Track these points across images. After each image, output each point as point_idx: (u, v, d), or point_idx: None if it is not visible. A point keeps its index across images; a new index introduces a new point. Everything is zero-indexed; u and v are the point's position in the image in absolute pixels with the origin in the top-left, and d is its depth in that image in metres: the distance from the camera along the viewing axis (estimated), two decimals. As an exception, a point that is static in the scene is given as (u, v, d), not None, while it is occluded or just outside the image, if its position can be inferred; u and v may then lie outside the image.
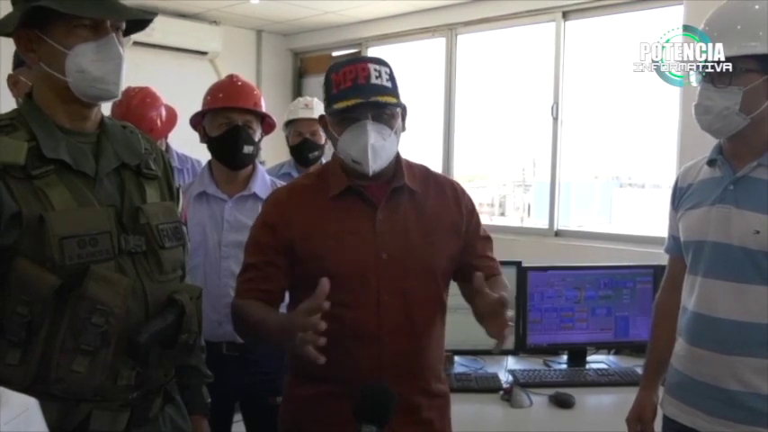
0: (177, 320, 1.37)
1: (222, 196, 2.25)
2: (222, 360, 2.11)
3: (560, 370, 2.61)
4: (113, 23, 1.33)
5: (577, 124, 4.91)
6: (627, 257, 3.65)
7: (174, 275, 1.44)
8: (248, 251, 1.67)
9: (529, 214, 5.68)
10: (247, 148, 2.21)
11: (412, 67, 5.75)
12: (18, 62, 2.49)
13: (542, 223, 5.06)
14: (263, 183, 2.30)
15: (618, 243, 4.43)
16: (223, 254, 2.19)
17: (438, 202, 1.68)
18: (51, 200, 1.25)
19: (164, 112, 2.97)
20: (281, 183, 2.29)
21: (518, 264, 2.63)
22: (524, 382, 2.44)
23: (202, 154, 2.47)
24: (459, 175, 5.47)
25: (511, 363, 2.66)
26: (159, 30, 5.21)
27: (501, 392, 2.36)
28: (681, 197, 1.78)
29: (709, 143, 1.76)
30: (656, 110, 4.50)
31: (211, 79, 2.78)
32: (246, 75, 2.78)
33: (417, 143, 5.43)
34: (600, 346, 2.78)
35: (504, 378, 2.49)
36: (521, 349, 2.66)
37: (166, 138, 3.05)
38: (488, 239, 1.78)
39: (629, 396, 1.94)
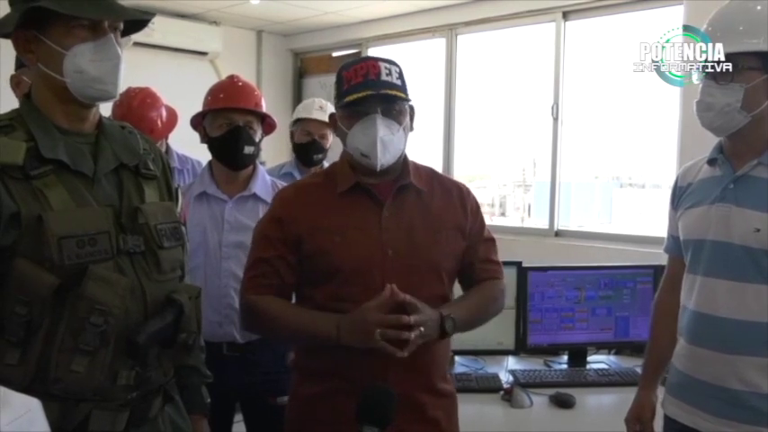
0: (176, 320, 1.37)
1: (222, 197, 2.24)
2: (223, 360, 2.11)
3: (561, 370, 2.61)
4: (111, 24, 1.33)
5: (577, 124, 4.91)
6: (627, 258, 3.64)
7: (173, 275, 1.44)
8: (257, 246, 1.69)
9: (529, 214, 5.68)
10: (248, 149, 2.21)
11: (412, 68, 5.72)
12: (20, 63, 2.49)
13: (543, 223, 5.05)
14: (264, 183, 2.30)
15: (618, 243, 4.43)
16: (223, 254, 2.19)
17: (443, 202, 1.71)
18: (50, 200, 1.25)
19: (164, 113, 2.97)
20: (281, 183, 2.29)
21: (518, 264, 2.63)
22: (525, 383, 2.44)
23: (202, 154, 2.47)
24: (460, 176, 5.46)
25: (511, 363, 2.66)
26: (159, 30, 5.21)
27: (501, 392, 2.36)
28: (680, 196, 1.78)
29: (709, 143, 1.76)
30: (657, 110, 4.50)
31: (211, 80, 2.78)
32: (247, 75, 2.78)
33: (418, 143, 5.42)
34: (600, 347, 2.78)
35: (505, 378, 2.49)
36: (521, 349, 2.66)
37: (167, 138, 3.05)
38: (492, 241, 1.80)
39: (629, 396, 1.94)
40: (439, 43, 5.59)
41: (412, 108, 1.68)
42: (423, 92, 5.55)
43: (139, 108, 2.86)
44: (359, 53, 6.08)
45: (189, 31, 5.73)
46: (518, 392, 2.31)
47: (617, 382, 2.48)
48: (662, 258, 1.97)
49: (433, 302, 1.61)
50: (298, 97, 6.62)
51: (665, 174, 4.72)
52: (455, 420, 1.74)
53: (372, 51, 6.02)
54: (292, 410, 1.74)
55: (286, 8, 5.56)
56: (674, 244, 1.81)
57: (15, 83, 2.58)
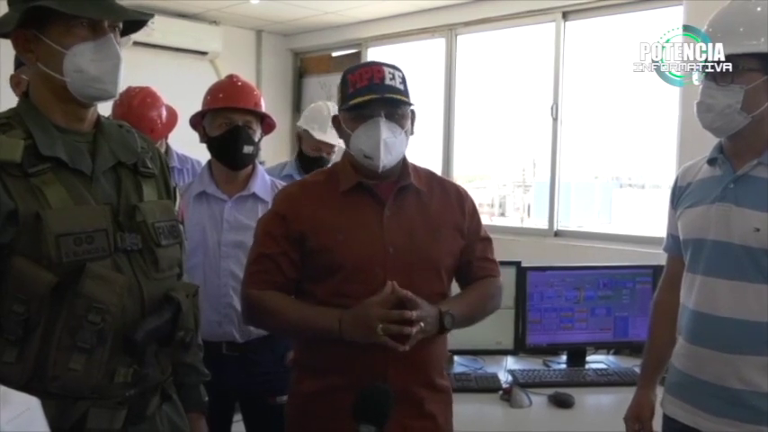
0: (173, 318, 1.37)
1: (222, 196, 2.24)
2: (222, 360, 2.12)
3: (560, 370, 2.61)
4: (111, 23, 1.33)
5: (577, 124, 4.90)
6: (626, 258, 3.64)
7: (171, 273, 1.44)
8: (259, 242, 1.72)
9: (529, 214, 5.67)
10: (247, 148, 2.21)
11: (412, 68, 5.71)
12: (19, 62, 2.49)
13: (542, 223, 5.05)
14: (263, 183, 2.30)
15: (617, 243, 4.42)
16: (222, 254, 2.19)
17: (442, 203, 1.76)
18: (48, 197, 1.25)
19: (164, 113, 2.97)
20: (281, 183, 2.30)
21: (518, 264, 2.63)
22: (524, 382, 2.43)
23: (202, 154, 2.47)
24: (459, 176, 5.47)
25: (510, 363, 2.66)
26: (159, 30, 5.21)
27: (500, 392, 2.35)
28: (680, 196, 1.79)
29: (708, 143, 1.76)
30: (656, 110, 4.49)
31: (211, 79, 2.78)
32: (246, 75, 2.78)
33: (417, 144, 5.41)
34: (599, 346, 2.78)
35: (504, 378, 2.49)
36: (520, 349, 2.66)
37: (167, 138, 3.05)
38: (488, 240, 1.85)
39: (628, 396, 1.94)
40: (438, 43, 5.59)
41: (413, 112, 1.73)
42: (422, 92, 5.55)
43: (139, 107, 2.86)
44: (358, 53, 6.08)
45: (189, 30, 5.73)
46: (517, 392, 2.31)
47: (616, 382, 2.48)
48: (661, 258, 1.97)
49: (432, 299, 1.64)
50: (297, 97, 6.62)
51: (665, 174, 4.72)
52: (450, 415, 1.79)
53: (372, 51, 6.02)
54: (292, 407, 1.77)
55: (286, 8, 5.56)
56: (674, 243, 1.82)
57: (15, 82, 2.58)
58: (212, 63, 5.96)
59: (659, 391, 1.85)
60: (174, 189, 1.54)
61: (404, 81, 1.68)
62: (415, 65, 5.75)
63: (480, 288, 1.79)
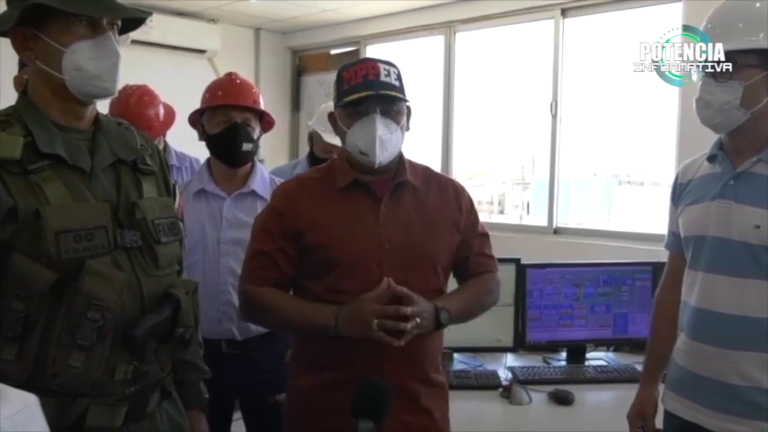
0: (173, 315, 1.38)
1: (221, 194, 2.24)
2: (221, 358, 2.11)
3: (559, 367, 2.61)
4: (110, 21, 1.33)
5: (576, 122, 4.90)
6: (626, 255, 3.64)
7: (171, 270, 1.44)
8: (256, 238, 1.74)
9: (528, 212, 5.67)
10: (246, 146, 2.21)
11: (410, 65, 5.73)
12: (24, 63, 2.48)
13: (541, 221, 5.05)
14: (262, 180, 2.30)
15: (617, 240, 4.43)
16: (222, 251, 2.19)
17: (439, 199, 1.76)
18: (47, 194, 1.25)
19: (162, 110, 2.97)
20: (279, 180, 2.29)
21: (517, 261, 2.63)
22: (524, 379, 2.43)
23: (201, 152, 2.47)
24: (459, 173, 5.47)
25: (510, 360, 2.66)
26: (157, 28, 5.20)
27: (500, 389, 2.36)
28: (681, 193, 1.79)
29: (708, 140, 1.76)
30: (655, 107, 4.49)
31: (210, 77, 2.78)
32: (245, 73, 2.77)
33: (416, 141, 5.41)
34: (599, 343, 2.78)
35: (504, 375, 2.49)
36: (520, 346, 2.65)
37: (165, 136, 3.05)
38: (485, 236, 1.85)
39: (628, 393, 1.94)
40: (437, 41, 5.58)
41: (409, 108, 1.74)
42: (421, 89, 5.55)
43: (137, 105, 2.86)
44: (357, 51, 6.08)
45: (187, 29, 5.72)
46: (517, 389, 2.31)
47: (616, 378, 2.48)
48: (661, 255, 1.97)
49: (429, 295, 1.65)
50: (296, 95, 6.62)
51: (664, 171, 4.72)
52: (446, 410, 1.80)
53: (370, 49, 6.01)
54: (291, 402, 1.78)
55: (284, 6, 5.55)
56: (675, 240, 1.82)
57: (18, 84, 2.57)
58: (210, 61, 5.96)
59: (661, 388, 1.85)
60: (174, 186, 1.54)
61: (399, 77, 1.68)
62: (413, 62, 5.75)
63: (477, 284, 1.80)
